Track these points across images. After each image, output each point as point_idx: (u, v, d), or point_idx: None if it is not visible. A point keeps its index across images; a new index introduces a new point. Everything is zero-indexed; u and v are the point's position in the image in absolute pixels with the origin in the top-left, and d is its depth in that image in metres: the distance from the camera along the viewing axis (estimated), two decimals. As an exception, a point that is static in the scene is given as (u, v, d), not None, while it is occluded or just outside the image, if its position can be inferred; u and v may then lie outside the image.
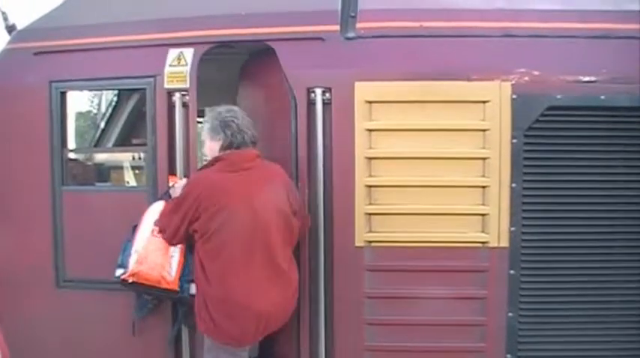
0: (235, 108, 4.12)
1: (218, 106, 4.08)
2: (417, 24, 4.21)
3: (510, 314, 4.10)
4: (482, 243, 4.10)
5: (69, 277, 4.48)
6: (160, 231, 3.96)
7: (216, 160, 3.92)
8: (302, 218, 4.06)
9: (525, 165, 4.06)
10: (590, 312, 4.12)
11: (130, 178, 5.27)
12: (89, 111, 8.20)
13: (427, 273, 4.12)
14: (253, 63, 4.90)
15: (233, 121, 3.93)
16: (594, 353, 4.14)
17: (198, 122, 4.46)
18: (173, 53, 4.36)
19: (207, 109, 4.09)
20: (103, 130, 6.26)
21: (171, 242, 3.94)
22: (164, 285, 3.94)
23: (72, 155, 5.00)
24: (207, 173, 3.93)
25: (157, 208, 4.08)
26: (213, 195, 3.77)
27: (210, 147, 3.99)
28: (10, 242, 4.55)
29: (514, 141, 4.04)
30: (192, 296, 3.93)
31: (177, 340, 4.37)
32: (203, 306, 3.83)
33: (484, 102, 4.05)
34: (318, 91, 4.15)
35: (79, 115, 7.62)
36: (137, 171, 5.19)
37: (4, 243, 4.57)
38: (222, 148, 3.94)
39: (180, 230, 3.87)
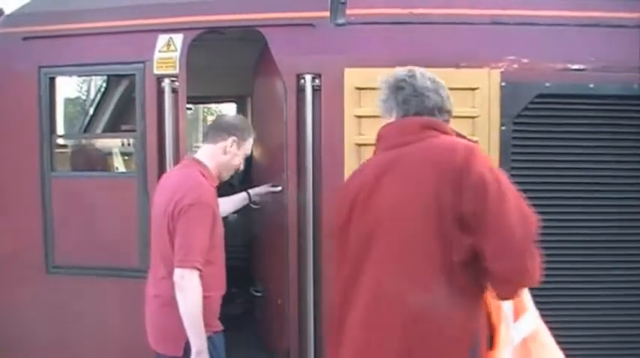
0: None
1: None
2: (406, 11, 4.20)
3: (499, 300, 4.11)
4: (471, 229, 4.10)
5: (58, 263, 4.48)
6: None
7: None
8: None
9: (514, 153, 4.06)
10: (579, 298, 4.15)
11: (119, 164, 5.27)
12: (78, 97, 8.18)
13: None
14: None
15: None
16: (586, 340, 4.15)
17: (188, 108, 4.45)
18: (162, 39, 4.33)
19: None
20: (92, 116, 6.24)
21: None
22: None
23: (61, 141, 4.98)
24: None
25: None
26: None
27: None
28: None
29: (503, 128, 4.05)
30: None
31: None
32: None
33: (473, 89, 4.05)
34: (308, 78, 4.13)
35: (68, 101, 7.61)
36: (126, 158, 5.18)
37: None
38: None
39: None
